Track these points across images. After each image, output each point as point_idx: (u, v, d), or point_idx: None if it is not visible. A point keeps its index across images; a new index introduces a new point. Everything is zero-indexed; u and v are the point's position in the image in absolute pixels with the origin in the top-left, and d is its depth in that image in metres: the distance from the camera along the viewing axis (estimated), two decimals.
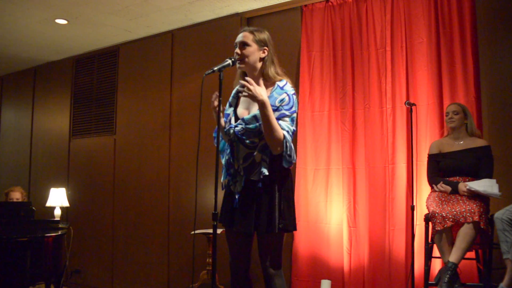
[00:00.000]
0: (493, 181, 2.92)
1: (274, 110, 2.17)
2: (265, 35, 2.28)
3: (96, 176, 5.25)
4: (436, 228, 2.86)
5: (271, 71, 2.26)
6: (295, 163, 3.10)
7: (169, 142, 4.71)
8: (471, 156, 3.07)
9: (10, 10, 4.30)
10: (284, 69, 2.35)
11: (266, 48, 2.27)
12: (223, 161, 2.35)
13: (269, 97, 2.19)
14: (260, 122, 2.15)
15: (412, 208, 3.16)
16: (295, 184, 3.77)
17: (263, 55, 2.26)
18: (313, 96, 3.92)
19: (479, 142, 3.10)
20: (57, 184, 5.03)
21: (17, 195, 4.38)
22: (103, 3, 4.16)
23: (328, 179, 3.81)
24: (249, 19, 4.34)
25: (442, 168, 3.16)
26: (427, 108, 3.49)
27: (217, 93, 2.17)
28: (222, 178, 2.34)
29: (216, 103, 2.19)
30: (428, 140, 3.43)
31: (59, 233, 3.35)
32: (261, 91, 2.11)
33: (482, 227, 2.76)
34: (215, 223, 2.07)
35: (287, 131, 2.16)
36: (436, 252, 3.04)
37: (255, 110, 2.20)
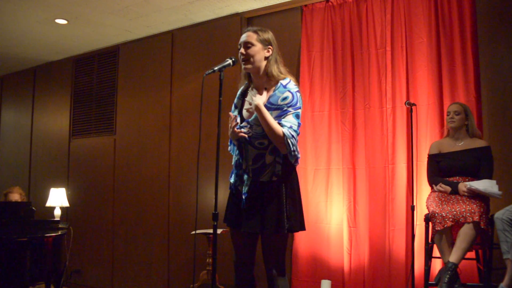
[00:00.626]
0: (493, 181, 2.92)
1: (276, 109, 2.18)
2: (268, 35, 2.29)
3: (96, 176, 5.25)
4: (436, 228, 2.86)
5: (275, 70, 2.26)
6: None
7: (169, 142, 4.70)
8: (471, 156, 3.07)
9: (10, 10, 4.30)
10: (287, 69, 2.35)
11: (270, 47, 2.27)
12: (233, 162, 2.36)
13: (272, 96, 2.21)
14: None
15: (412, 208, 3.16)
16: None
17: (267, 54, 2.27)
18: (313, 96, 3.92)
19: (479, 143, 3.10)
20: (57, 184, 5.02)
21: (15, 196, 4.38)
22: (103, 3, 4.16)
23: (328, 179, 3.81)
24: (249, 19, 4.34)
25: (442, 168, 3.16)
26: (427, 108, 3.49)
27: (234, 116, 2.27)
28: (231, 179, 2.34)
29: (234, 122, 2.25)
30: (428, 140, 3.43)
31: (59, 233, 3.35)
32: (257, 98, 2.17)
33: (482, 227, 2.76)
34: (215, 223, 2.07)
35: (290, 127, 2.16)
36: (436, 252, 3.04)
37: None
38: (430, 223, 2.99)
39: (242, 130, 2.23)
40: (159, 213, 4.67)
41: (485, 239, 2.87)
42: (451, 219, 2.82)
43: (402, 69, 3.60)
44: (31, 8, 4.27)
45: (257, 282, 2.38)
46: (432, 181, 3.19)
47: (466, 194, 2.93)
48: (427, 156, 3.26)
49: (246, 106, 2.32)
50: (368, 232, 3.61)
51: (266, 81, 2.28)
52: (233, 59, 2.22)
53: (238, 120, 2.30)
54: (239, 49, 2.28)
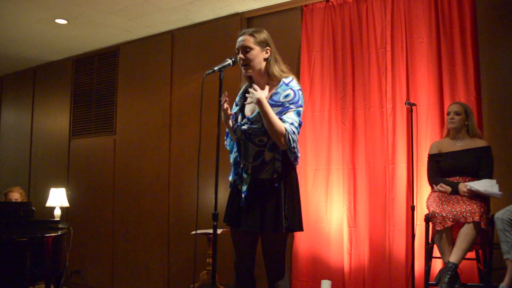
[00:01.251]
0: (493, 181, 2.92)
1: (279, 106, 2.17)
2: (264, 35, 2.27)
3: (96, 176, 5.25)
4: (436, 228, 2.86)
5: (276, 69, 2.25)
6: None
7: (169, 142, 4.70)
8: (471, 156, 3.07)
9: (10, 10, 4.30)
10: (288, 67, 2.34)
11: (268, 48, 2.26)
12: (231, 160, 2.35)
13: (274, 93, 2.20)
14: None
15: (413, 208, 3.16)
16: None
17: (266, 56, 2.26)
18: (313, 96, 3.92)
19: (479, 143, 3.10)
20: (57, 184, 5.02)
21: (15, 196, 4.37)
22: (103, 3, 4.16)
23: (329, 179, 3.80)
24: (249, 19, 4.34)
25: (442, 168, 3.16)
26: (428, 108, 3.48)
27: (226, 93, 2.19)
28: (230, 177, 2.34)
29: (225, 105, 2.22)
30: (428, 140, 3.43)
31: (59, 233, 3.35)
32: (258, 92, 2.14)
33: (482, 227, 2.76)
34: (215, 223, 2.07)
35: (291, 123, 2.15)
36: (436, 252, 3.04)
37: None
38: (430, 223, 2.99)
39: (234, 117, 2.26)
40: (159, 213, 4.67)
41: (485, 239, 2.87)
42: (451, 219, 2.82)
43: (402, 69, 3.60)
44: (31, 8, 4.26)
45: (257, 282, 2.38)
46: (432, 181, 3.19)
47: (466, 194, 2.93)
48: (427, 156, 3.26)
49: (248, 100, 2.32)
50: (368, 232, 3.61)
51: (267, 80, 2.28)
52: (233, 59, 2.21)
53: (240, 119, 2.29)
54: (237, 53, 2.26)
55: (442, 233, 2.86)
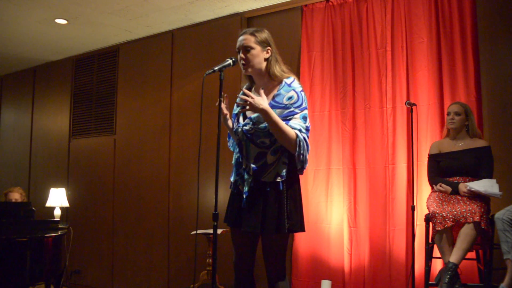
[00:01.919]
0: (493, 181, 2.92)
1: (283, 108, 2.16)
2: (265, 34, 2.26)
3: (96, 176, 5.25)
4: (437, 228, 2.86)
5: (277, 69, 2.24)
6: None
7: (169, 142, 4.70)
8: (471, 156, 3.07)
9: (10, 10, 4.30)
10: (289, 67, 2.33)
11: (269, 48, 2.24)
12: (233, 160, 2.34)
13: (276, 95, 2.19)
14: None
15: (413, 208, 3.16)
16: None
17: (267, 56, 2.24)
18: (314, 96, 3.92)
19: (479, 143, 3.10)
20: (57, 184, 5.02)
21: (16, 196, 4.37)
22: (103, 3, 4.16)
23: (329, 179, 3.80)
24: (249, 19, 4.34)
25: (442, 168, 3.16)
26: (428, 108, 3.48)
27: (225, 95, 2.20)
28: (232, 178, 2.33)
29: (223, 107, 2.22)
30: (428, 140, 3.43)
31: (59, 233, 3.35)
32: (260, 100, 2.08)
33: (482, 227, 2.76)
34: (216, 223, 2.07)
35: (299, 129, 2.13)
36: (436, 252, 3.04)
37: None
38: (430, 223, 2.99)
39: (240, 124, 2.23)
40: (159, 213, 4.67)
41: (485, 239, 2.87)
42: (451, 219, 2.82)
43: (402, 69, 3.60)
44: (31, 8, 4.26)
45: (257, 282, 2.38)
46: (432, 181, 3.18)
47: (466, 194, 2.93)
48: (428, 156, 3.26)
49: (243, 107, 2.31)
50: (368, 232, 3.61)
51: (268, 81, 2.26)
52: (233, 59, 2.20)
53: (241, 120, 2.28)
54: (238, 53, 2.25)
55: (442, 233, 2.86)
